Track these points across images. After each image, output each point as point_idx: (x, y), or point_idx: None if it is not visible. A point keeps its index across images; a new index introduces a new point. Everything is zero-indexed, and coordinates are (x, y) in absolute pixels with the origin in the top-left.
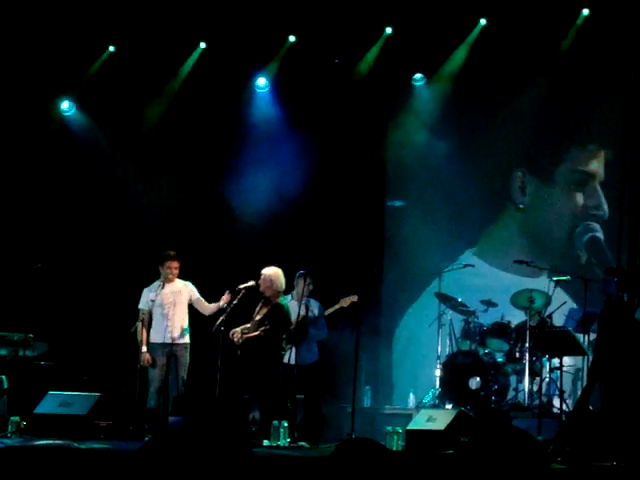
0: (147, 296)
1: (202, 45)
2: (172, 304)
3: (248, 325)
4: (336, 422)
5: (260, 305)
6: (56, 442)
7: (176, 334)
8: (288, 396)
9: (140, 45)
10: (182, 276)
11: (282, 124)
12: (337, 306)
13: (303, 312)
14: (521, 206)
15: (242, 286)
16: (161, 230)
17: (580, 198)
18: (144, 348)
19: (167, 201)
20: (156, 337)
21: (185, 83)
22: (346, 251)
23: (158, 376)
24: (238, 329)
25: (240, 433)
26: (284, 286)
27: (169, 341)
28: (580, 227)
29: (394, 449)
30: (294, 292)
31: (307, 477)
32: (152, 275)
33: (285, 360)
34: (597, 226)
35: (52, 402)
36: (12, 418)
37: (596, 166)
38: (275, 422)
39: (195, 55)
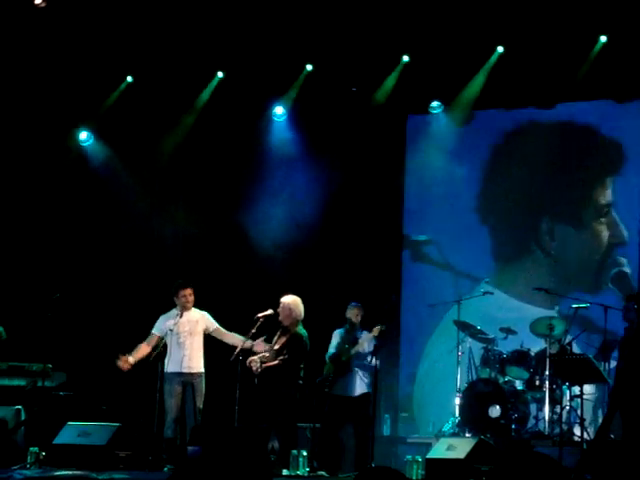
0: (163, 323)
1: (220, 74)
2: (188, 333)
3: (266, 354)
4: (353, 451)
5: (279, 334)
6: (75, 473)
7: (192, 363)
8: (337, 427)
9: (158, 75)
10: (201, 306)
11: (299, 152)
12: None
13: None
14: (552, 252)
15: (260, 315)
16: (179, 260)
17: (605, 231)
18: (131, 359)
19: (185, 230)
20: (172, 366)
21: (203, 112)
22: (364, 279)
23: (175, 406)
24: (256, 357)
25: (260, 463)
26: (303, 314)
27: (186, 370)
28: (608, 261)
29: (414, 478)
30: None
31: None
32: (169, 304)
33: (335, 391)
34: (624, 260)
35: (71, 432)
36: (31, 449)
37: (610, 195)
38: (294, 451)
39: (213, 84)
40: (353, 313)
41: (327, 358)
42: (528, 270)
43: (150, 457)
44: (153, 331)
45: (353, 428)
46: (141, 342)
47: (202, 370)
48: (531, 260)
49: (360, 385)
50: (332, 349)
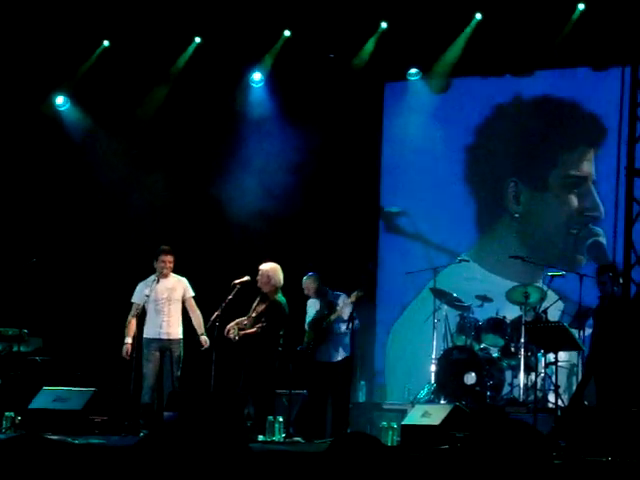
0: (142, 290)
1: (197, 40)
2: (167, 300)
3: (244, 319)
4: (330, 418)
5: (257, 301)
6: (51, 438)
7: (171, 329)
8: (323, 394)
9: (135, 40)
10: (178, 272)
11: (277, 119)
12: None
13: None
14: (516, 215)
15: (237, 281)
16: (156, 226)
17: (575, 201)
18: (128, 340)
19: (162, 197)
20: (150, 332)
21: (179, 78)
22: (341, 248)
23: (152, 372)
24: (233, 324)
25: (236, 428)
26: (282, 282)
27: (164, 337)
28: (583, 231)
29: (389, 444)
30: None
31: (303, 472)
32: (146, 270)
33: (319, 358)
34: (600, 230)
35: (47, 397)
36: (7, 413)
37: (587, 167)
38: (270, 417)
39: (190, 50)
40: (306, 284)
41: (307, 326)
42: (501, 240)
43: (126, 422)
44: (134, 300)
45: (331, 395)
46: (121, 311)
47: (180, 336)
48: (502, 229)
49: (340, 351)
50: (309, 317)
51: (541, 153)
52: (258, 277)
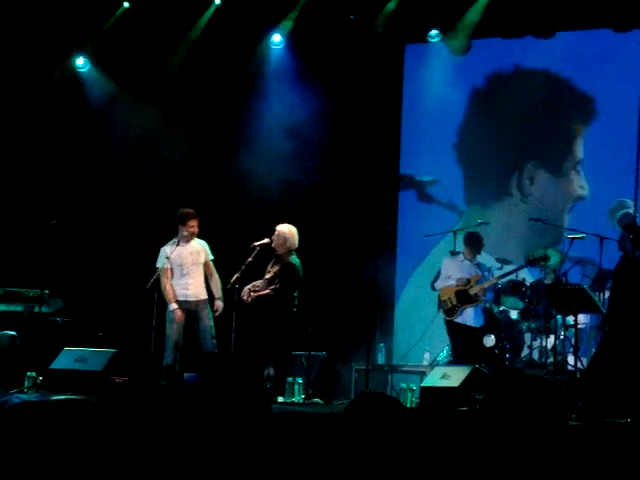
0: (166, 254)
1: (217, 1)
2: (192, 263)
3: (258, 282)
4: (349, 380)
5: (272, 263)
6: (72, 397)
7: (197, 291)
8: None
9: (154, 1)
10: (199, 235)
11: (296, 81)
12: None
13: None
14: (529, 197)
15: (257, 243)
16: (175, 188)
17: (576, 180)
18: (174, 305)
19: (182, 158)
20: (182, 295)
21: (199, 40)
22: (360, 209)
23: (176, 333)
24: (247, 287)
25: (257, 389)
26: (297, 244)
27: (192, 298)
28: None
29: (408, 406)
30: (465, 251)
31: (321, 433)
32: (165, 232)
33: (460, 320)
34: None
35: (68, 358)
36: (28, 373)
37: (578, 146)
38: (289, 379)
39: (209, 11)
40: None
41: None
42: (505, 214)
43: (146, 384)
44: (158, 265)
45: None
46: (142, 272)
47: (206, 297)
48: (508, 204)
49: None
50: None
51: (557, 133)
52: (273, 237)
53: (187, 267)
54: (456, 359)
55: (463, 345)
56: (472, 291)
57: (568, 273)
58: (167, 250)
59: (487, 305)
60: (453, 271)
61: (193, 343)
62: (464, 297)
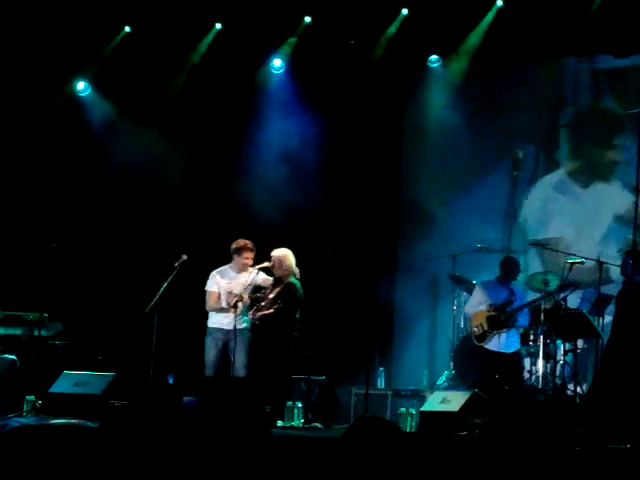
0: (217, 280)
1: (218, 26)
2: (238, 295)
3: (263, 303)
4: (348, 404)
5: (273, 284)
6: (71, 421)
7: (238, 320)
8: (492, 382)
9: (155, 26)
10: (195, 262)
11: (296, 105)
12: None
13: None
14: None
15: (257, 267)
16: (175, 212)
17: None
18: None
19: (183, 183)
20: (218, 322)
21: (200, 64)
22: (360, 233)
23: (213, 359)
24: (254, 309)
25: (257, 413)
26: (294, 264)
27: (231, 328)
28: None
29: (408, 430)
30: (499, 275)
31: (321, 457)
32: (165, 255)
33: (491, 347)
34: None
35: (67, 382)
36: (27, 397)
37: None
38: (289, 403)
39: (210, 36)
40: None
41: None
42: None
43: (146, 407)
44: (208, 288)
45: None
46: (141, 295)
47: (244, 325)
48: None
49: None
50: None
51: None
52: (271, 263)
53: (232, 297)
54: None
55: (490, 372)
56: (503, 316)
57: (567, 298)
58: (220, 277)
59: (521, 331)
60: (486, 296)
61: (193, 366)
62: (495, 322)
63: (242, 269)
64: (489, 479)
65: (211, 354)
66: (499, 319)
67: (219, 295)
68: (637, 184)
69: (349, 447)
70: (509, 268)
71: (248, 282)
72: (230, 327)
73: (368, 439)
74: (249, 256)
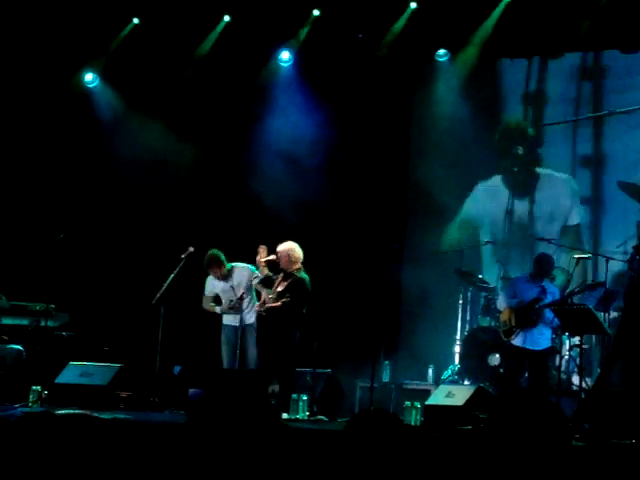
0: (213, 283)
1: (226, 18)
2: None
3: (270, 296)
4: (354, 397)
5: (281, 278)
6: (77, 412)
7: (247, 316)
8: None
9: (164, 18)
10: (204, 254)
11: (305, 98)
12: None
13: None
14: None
15: (264, 259)
16: (183, 204)
17: None
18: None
19: (190, 175)
20: (228, 319)
21: (208, 56)
22: (367, 227)
23: (228, 356)
24: (261, 302)
25: (264, 406)
26: (301, 258)
27: (238, 324)
28: None
29: (412, 424)
30: (532, 271)
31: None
32: (171, 246)
33: (517, 343)
34: None
35: (73, 372)
36: (33, 387)
37: None
38: (294, 395)
39: (219, 28)
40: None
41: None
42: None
43: (151, 399)
44: (206, 293)
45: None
46: (147, 286)
47: (252, 321)
48: None
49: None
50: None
51: None
52: (278, 258)
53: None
54: (504, 381)
55: (514, 368)
56: (530, 313)
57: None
58: (214, 281)
59: (492, 324)
60: (517, 292)
61: (198, 358)
62: (523, 319)
63: (221, 278)
64: (493, 473)
65: (224, 349)
66: (526, 316)
67: (217, 297)
68: None
69: (350, 439)
70: (542, 265)
71: (249, 279)
72: (237, 323)
73: (369, 432)
74: (217, 270)
